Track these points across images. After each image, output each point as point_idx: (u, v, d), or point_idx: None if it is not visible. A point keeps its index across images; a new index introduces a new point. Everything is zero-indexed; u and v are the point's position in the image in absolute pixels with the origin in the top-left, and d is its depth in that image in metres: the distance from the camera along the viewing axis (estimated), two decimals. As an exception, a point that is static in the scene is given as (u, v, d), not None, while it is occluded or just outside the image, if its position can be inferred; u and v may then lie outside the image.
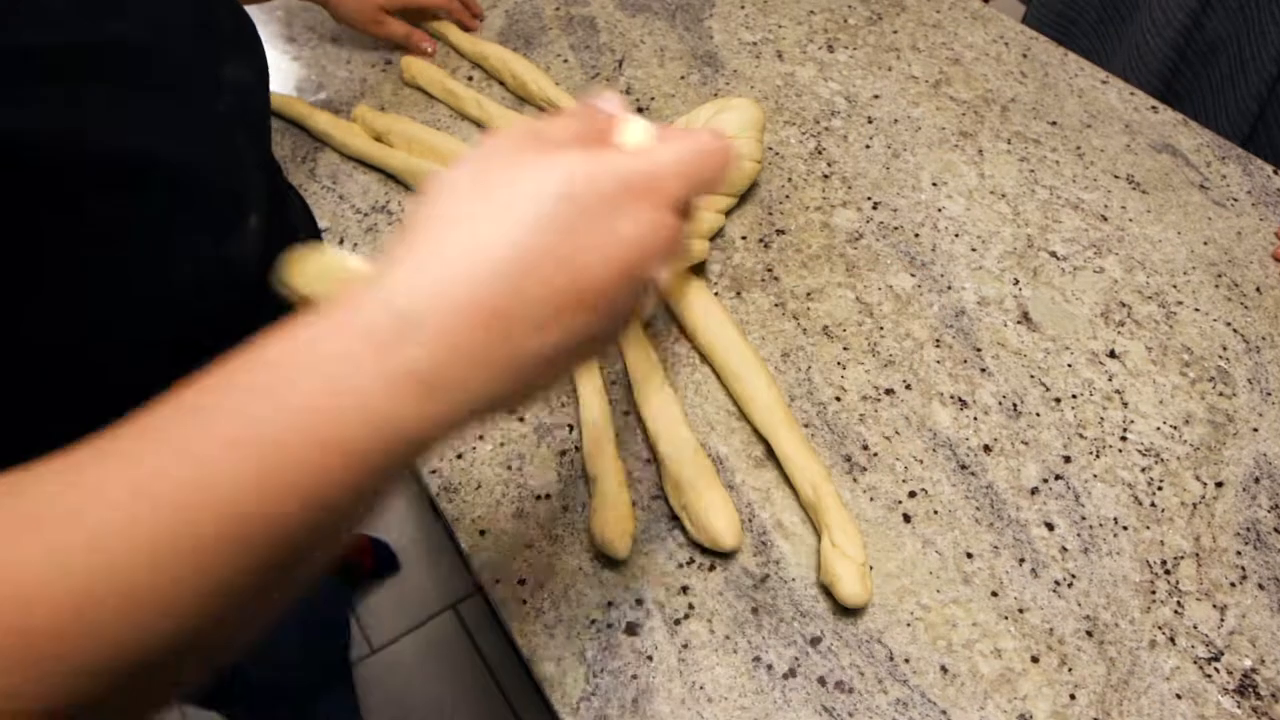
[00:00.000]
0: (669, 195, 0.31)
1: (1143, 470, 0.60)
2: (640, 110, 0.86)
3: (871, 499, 0.59)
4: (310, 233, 0.73)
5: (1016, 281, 0.71)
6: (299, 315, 0.29)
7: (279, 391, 0.27)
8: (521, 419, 0.63)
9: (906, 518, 0.58)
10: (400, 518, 1.62)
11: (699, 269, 0.72)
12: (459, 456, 0.62)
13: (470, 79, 0.90)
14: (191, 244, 0.51)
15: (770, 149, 0.82)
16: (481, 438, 0.63)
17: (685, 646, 0.53)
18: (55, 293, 0.45)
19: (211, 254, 0.52)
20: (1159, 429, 0.62)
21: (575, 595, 0.56)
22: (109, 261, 0.46)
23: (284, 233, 0.63)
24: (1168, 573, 0.56)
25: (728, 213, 0.75)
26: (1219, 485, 0.60)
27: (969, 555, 0.56)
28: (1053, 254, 0.73)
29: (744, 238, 0.75)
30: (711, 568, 0.56)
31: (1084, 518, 0.58)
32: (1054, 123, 0.83)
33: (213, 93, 0.51)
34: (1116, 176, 0.79)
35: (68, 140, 0.41)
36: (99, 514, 0.25)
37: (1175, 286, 0.71)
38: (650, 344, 0.65)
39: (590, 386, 0.63)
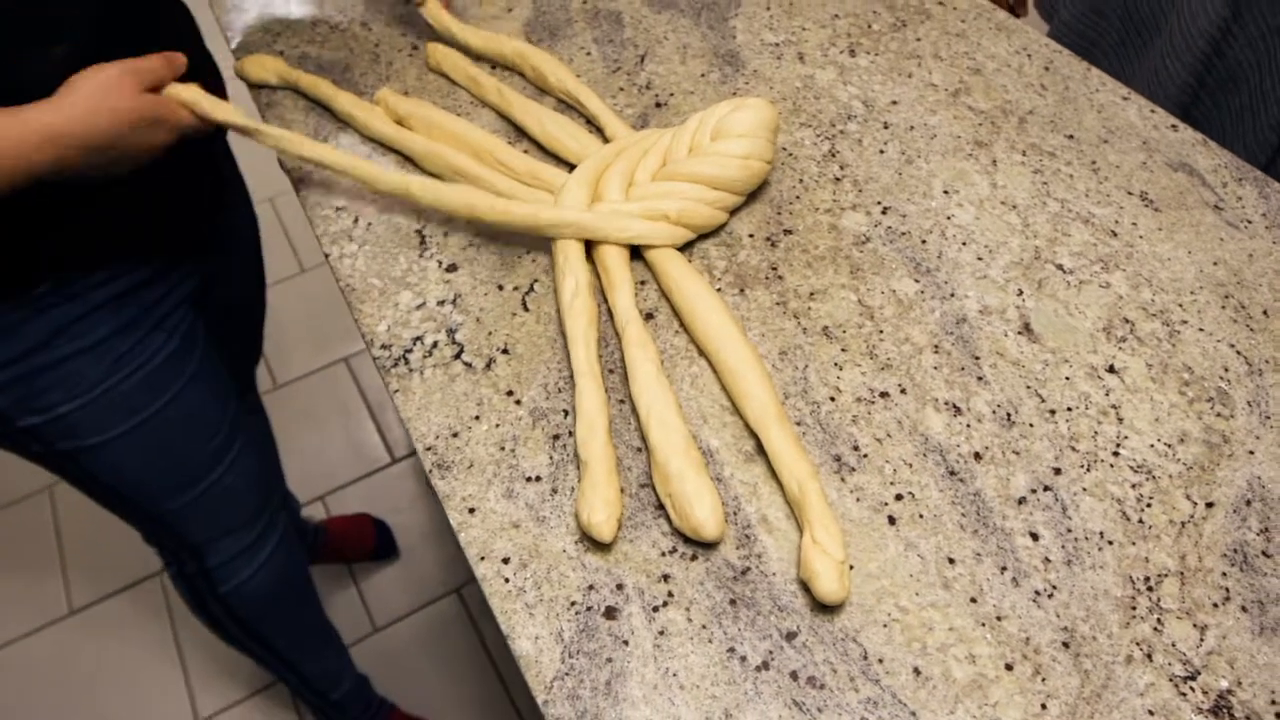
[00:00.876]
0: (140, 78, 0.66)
1: (1133, 486, 0.60)
2: (658, 105, 0.86)
3: (858, 499, 0.59)
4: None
5: (1020, 292, 0.71)
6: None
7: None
8: (519, 401, 0.64)
9: (891, 520, 0.58)
10: (409, 502, 1.64)
11: (694, 258, 0.72)
12: (454, 435, 0.63)
13: (494, 67, 0.91)
14: None
15: (784, 149, 0.82)
16: (478, 418, 0.64)
17: (662, 633, 0.54)
18: None
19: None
20: (1153, 446, 0.62)
21: (557, 577, 0.56)
22: None
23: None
24: (1150, 589, 0.56)
25: (735, 210, 0.76)
26: (1209, 506, 0.59)
27: (951, 560, 0.57)
28: (1059, 267, 0.73)
29: (751, 235, 0.75)
30: (693, 558, 0.57)
31: (1070, 530, 0.58)
32: (1071, 136, 0.83)
33: None
34: (1130, 193, 0.78)
35: None
36: None
37: (1181, 305, 0.70)
38: (649, 335, 0.66)
39: (588, 373, 0.64)
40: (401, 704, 1.37)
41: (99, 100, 0.63)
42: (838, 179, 0.79)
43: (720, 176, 0.72)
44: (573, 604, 0.55)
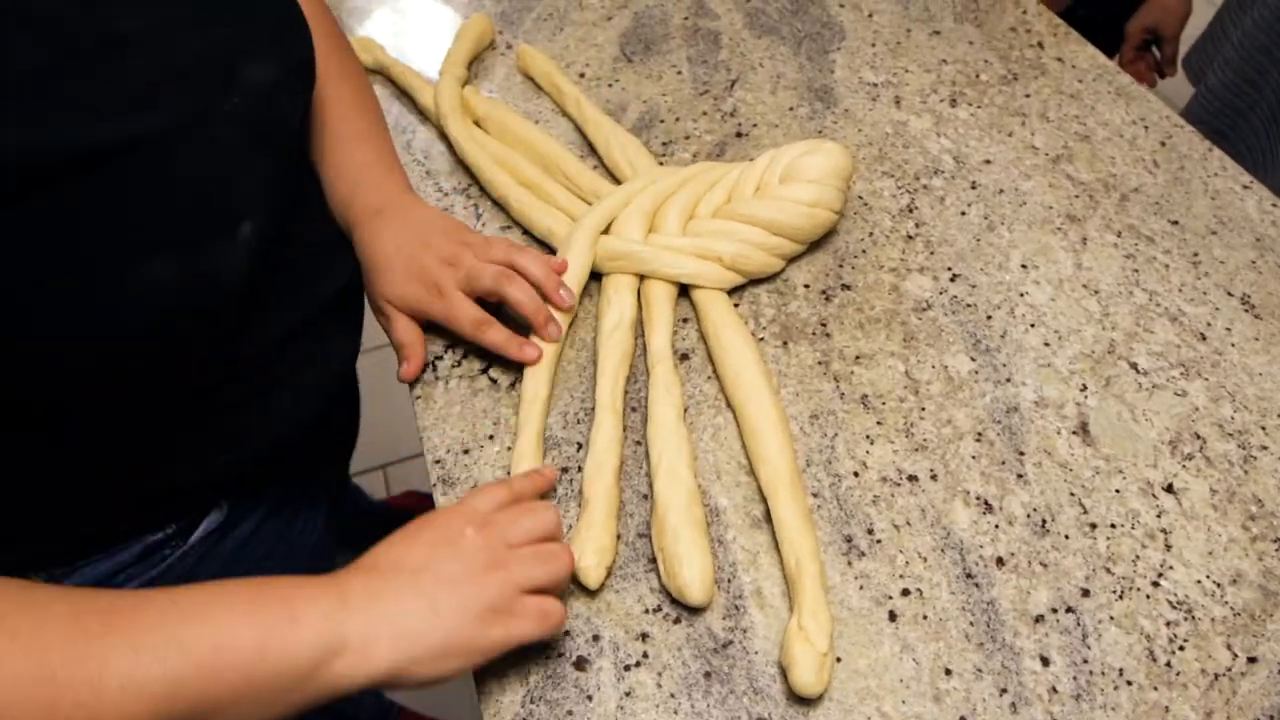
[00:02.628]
0: (490, 526, 0.51)
1: (1168, 624, 0.55)
2: (739, 135, 0.84)
3: (861, 587, 0.56)
4: (330, 240, 0.67)
5: (1084, 388, 0.66)
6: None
7: (257, 608, 0.43)
8: (534, 427, 0.63)
9: (892, 616, 0.55)
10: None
11: (740, 303, 0.70)
12: (465, 452, 0.63)
13: (582, 75, 0.90)
14: (166, 250, 0.46)
15: (859, 198, 0.78)
16: (491, 437, 0.63)
17: (628, 695, 0.52)
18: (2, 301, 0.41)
19: (190, 265, 0.47)
20: (1199, 582, 0.57)
21: (536, 616, 0.55)
22: (64, 264, 0.42)
23: (292, 245, 0.58)
24: (1163, 743, 0.51)
25: (795, 259, 0.73)
26: (1251, 660, 0.54)
27: (948, 671, 0.53)
28: (1133, 365, 0.67)
29: (806, 286, 0.72)
30: (676, 620, 0.55)
31: (1086, 660, 0.53)
32: (1175, 222, 0.77)
33: (218, 90, 0.48)
34: (1230, 294, 0.72)
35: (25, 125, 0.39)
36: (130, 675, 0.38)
37: (1264, 429, 0.64)
38: (677, 378, 0.64)
39: (609, 408, 0.62)
40: (416, 697, 1.39)
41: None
42: (910, 237, 0.75)
43: (782, 223, 0.69)
44: (545, 648, 0.54)
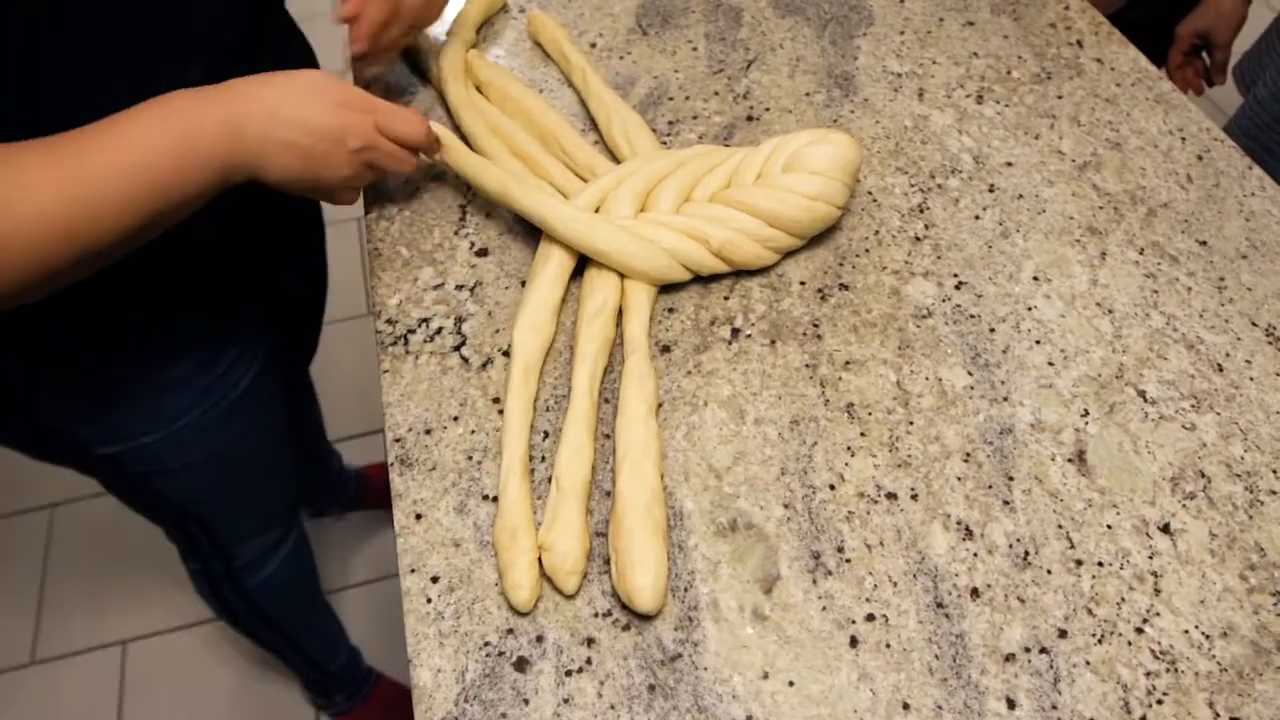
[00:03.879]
0: (372, 114, 0.62)
1: (1147, 674, 0.51)
2: (750, 119, 0.80)
3: (824, 608, 0.53)
4: None
5: (1086, 413, 0.62)
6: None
7: (182, 124, 0.53)
8: (502, 411, 0.61)
9: (854, 641, 0.52)
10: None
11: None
12: (428, 432, 0.60)
13: (593, 45, 0.87)
14: (117, 85, 0.53)
15: (869, 193, 0.74)
16: (456, 419, 0.61)
17: (566, 702, 0.50)
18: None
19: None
20: (1187, 632, 0.53)
21: (480, 610, 0.53)
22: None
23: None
24: (1129, 803, 0.47)
25: (792, 254, 0.69)
26: (1234, 721, 0.50)
27: (905, 706, 0.50)
28: (1141, 393, 0.63)
29: (802, 283, 0.68)
30: (626, 627, 0.52)
31: (1055, 706, 0.50)
32: (1204, 242, 0.72)
33: None
34: (1255, 324, 0.67)
35: None
36: (98, 165, 0.49)
37: (1275, 471, 0.60)
38: (651, 370, 0.61)
39: (585, 396, 0.59)
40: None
41: (309, 90, 0.58)
42: (918, 239, 0.71)
43: (779, 214, 0.66)
44: (486, 644, 0.52)
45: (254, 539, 0.98)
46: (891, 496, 0.58)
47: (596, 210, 0.67)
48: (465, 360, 0.64)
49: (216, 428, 0.80)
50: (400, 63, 0.85)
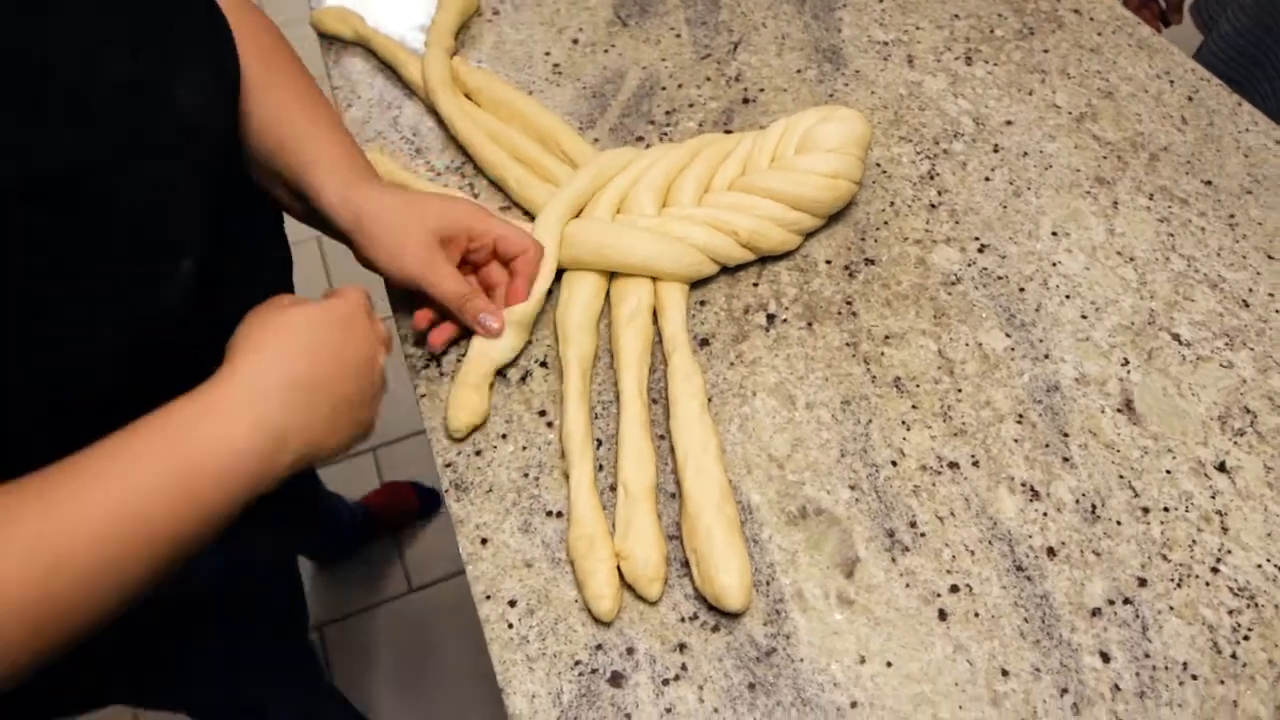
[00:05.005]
0: (364, 309, 0.53)
1: (1230, 612, 0.52)
2: (745, 101, 0.79)
3: (908, 585, 0.53)
4: (280, 269, 0.65)
5: (1126, 362, 0.62)
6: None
7: (181, 441, 0.42)
8: (550, 424, 0.59)
9: (942, 614, 0.52)
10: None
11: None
12: (478, 453, 0.59)
13: (575, 41, 0.85)
14: (116, 291, 0.44)
15: (877, 165, 0.74)
16: (504, 436, 0.59)
17: (668, 711, 0.49)
18: None
19: (140, 303, 0.45)
20: (1260, 567, 0.54)
21: (565, 630, 0.52)
22: (19, 309, 0.39)
23: (231, 279, 0.55)
24: (1235, 740, 0.48)
25: (813, 234, 0.69)
26: (1319, 647, 0.51)
27: (1004, 673, 0.50)
28: (1175, 336, 0.64)
29: (829, 262, 0.68)
30: (715, 628, 0.52)
31: (1148, 655, 0.51)
32: (1209, 182, 0.73)
33: (153, 116, 0.44)
34: (1271, 257, 0.68)
35: None
36: (68, 528, 0.38)
37: (1315, 399, 0.61)
38: (696, 366, 0.60)
39: (636, 398, 0.58)
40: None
41: (303, 338, 0.48)
42: (934, 206, 0.71)
43: (802, 196, 0.65)
44: (577, 663, 0.51)
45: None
46: (954, 466, 0.58)
47: (618, 211, 0.66)
48: (503, 376, 0.62)
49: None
50: (383, 76, 0.82)
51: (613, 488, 0.56)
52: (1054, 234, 0.70)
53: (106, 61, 0.41)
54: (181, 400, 0.43)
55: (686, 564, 0.54)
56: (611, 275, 0.65)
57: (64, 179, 0.39)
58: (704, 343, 0.64)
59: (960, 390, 0.61)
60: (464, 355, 0.63)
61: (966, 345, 0.63)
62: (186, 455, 0.41)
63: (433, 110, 0.78)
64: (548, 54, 0.84)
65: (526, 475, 0.58)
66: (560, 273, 0.65)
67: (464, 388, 0.59)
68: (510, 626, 0.52)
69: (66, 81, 0.39)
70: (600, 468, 0.58)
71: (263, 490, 0.44)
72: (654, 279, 0.64)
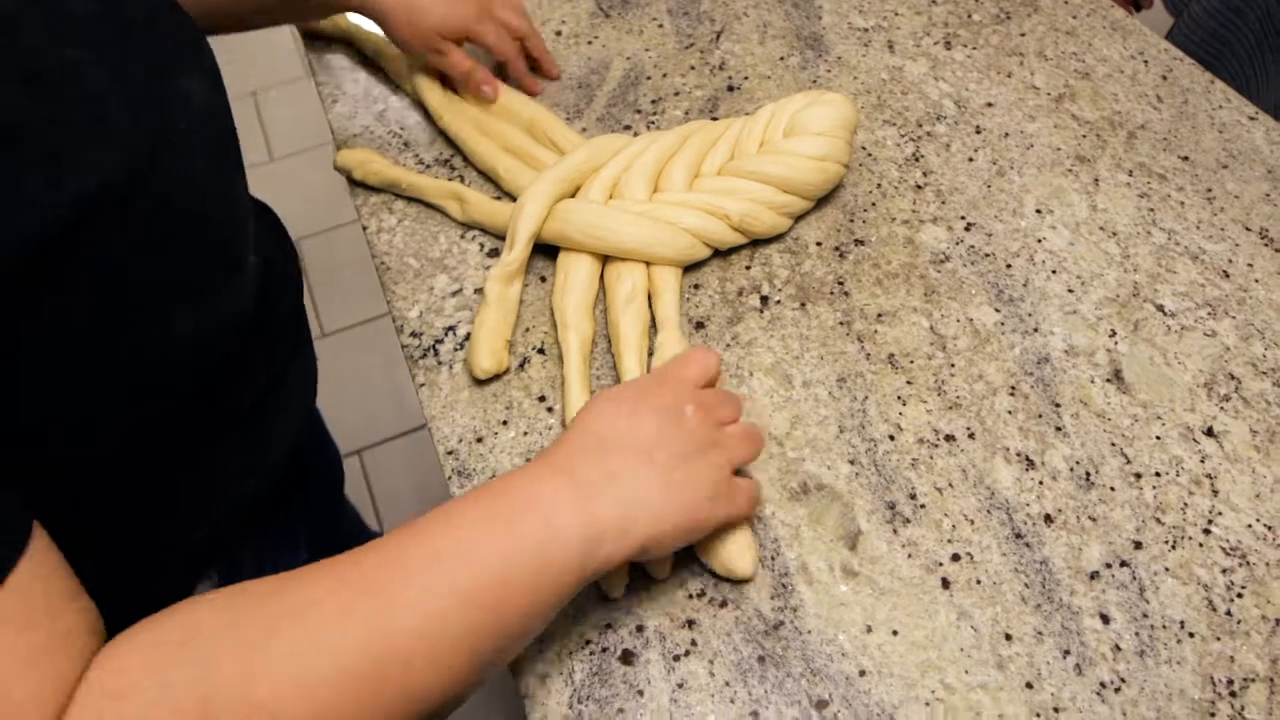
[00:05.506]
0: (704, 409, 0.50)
1: (1223, 571, 0.54)
2: (730, 89, 0.80)
3: (910, 555, 0.54)
4: (288, 258, 0.64)
5: (1113, 333, 0.64)
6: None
7: (514, 525, 0.42)
8: (551, 409, 0.60)
9: (945, 583, 0.53)
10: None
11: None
12: (479, 440, 0.59)
13: (558, 33, 0.85)
14: (195, 293, 0.43)
15: (863, 148, 0.75)
16: (505, 423, 0.59)
17: (680, 686, 0.49)
18: (35, 369, 0.37)
19: (219, 304, 0.45)
20: (1250, 527, 0.55)
21: (574, 610, 0.52)
22: (93, 332, 0.38)
23: (274, 268, 0.56)
24: (1233, 694, 0.49)
25: (803, 216, 0.70)
26: (1310, 602, 0.53)
27: (1008, 637, 0.51)
28: (1160, 308, 0.65)
29: (819, 244, 0.69)
30: (723, 604, 0.52)
31: (1146, 615, 0.52)
32: (1186, 158, 0.75)
33: (184, 115, 0.43)
34: (1248, 229, 0.70)
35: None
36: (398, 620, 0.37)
37: (1296, 364, 0.63)
38: (685, 341, 0.61)
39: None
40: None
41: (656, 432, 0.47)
42: (919, 187, 0.73)
43: (791, 179, 0.66)
44: (588, 642, 0.51)
45: None
46: (950, 438, 0.59)
47: (610, 197, 0.67)
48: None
49: None
50: (366, 70, 0.82)
51: (616, 469, 0.57)
52: (1038, 211, 0.71)
53: (126, 60, 0.40)
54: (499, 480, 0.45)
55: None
56: (605, 260, 0.65)
57: (130, 185, 0.38)
58: (699, 325, 0.64)
59: (953, 365, 0.62)
60: (460, 346, 0.63)
61: (957, 321, 0.64)
62: (539, 541, 0.42)
63: (419, 103, 0.78)
64: (532, 46, 0.84)
65: (528, 460, 0.58)
66: (554, 256, 0.66)
67: (487, 337, 0.61)
68: (519, 609, 0.52)
69: (94, 81, 0.38)
70: (602, 450, 0.58)
71: (587, 578, 0.43)
72: (647, 263, 0.65)
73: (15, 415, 0.36)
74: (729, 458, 0.49)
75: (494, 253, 0.69)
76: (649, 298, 0.65)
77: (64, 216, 0.34)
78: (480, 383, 0.61)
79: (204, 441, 0.51)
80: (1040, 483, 0.57)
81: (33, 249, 0.34)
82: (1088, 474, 0.57)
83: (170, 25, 0.45)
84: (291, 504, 0.68)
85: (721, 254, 0.68)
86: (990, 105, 0.79)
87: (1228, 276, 0.67)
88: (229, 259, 0.47)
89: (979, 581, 0.53)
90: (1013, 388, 0.61)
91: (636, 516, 0.44)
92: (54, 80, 0.36)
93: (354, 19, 0.85)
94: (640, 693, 0.49)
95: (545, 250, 0.68)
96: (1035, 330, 0.64)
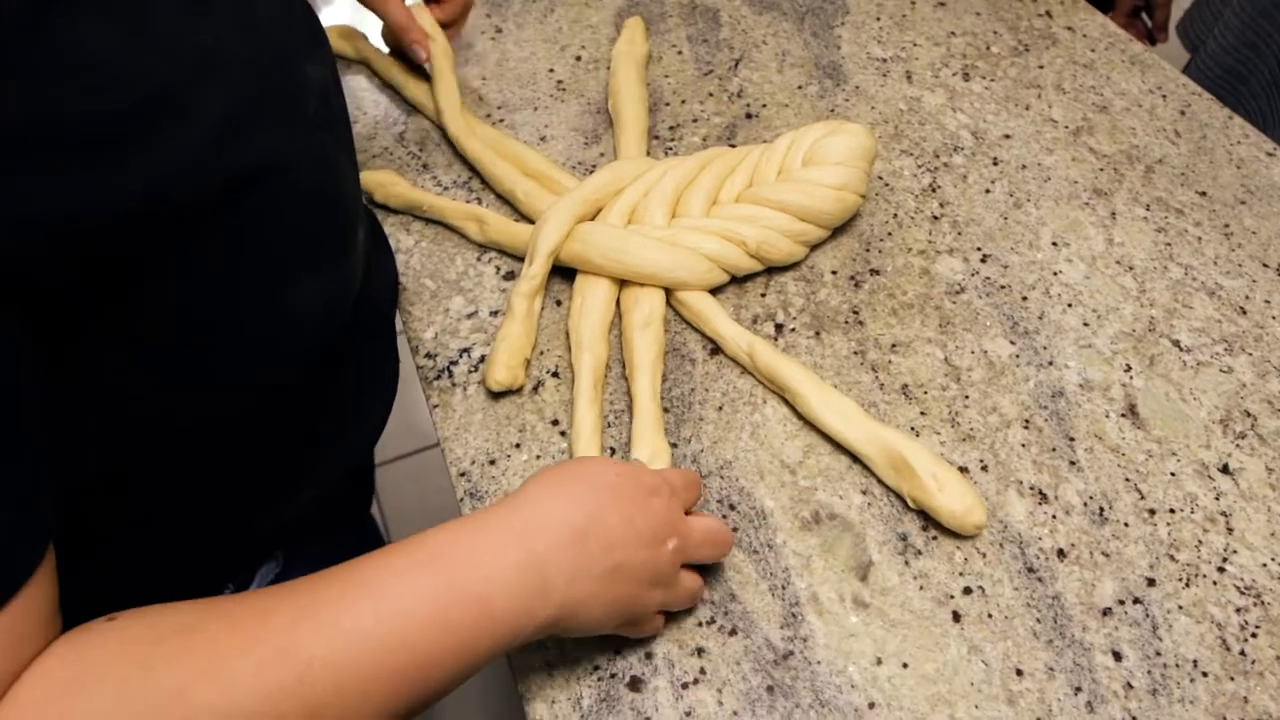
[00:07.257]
0: (675, 496, 0.50)
1: (1238, 610, 0.53)
2: (749, 116, 0.81)
3: (921, 587, 0.54)
4: (385, 254, 0.67)
5: (1128, 368, 0.64)
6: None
7: (455, 571, 0.41)
8: (563, 433, 0.60)
9: (956, 616, 0.53)
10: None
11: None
12: (491, 462, 0.59)
13: (578, 59, 0.86)
14: (310, 268, 0.45)
15: (880, 178, 0.76)
16: (518, 446, 0.60)
17: (688, 715, 0.49)
18: (155, 344, 0.39)
19: (330, 277, 0.47)
20: (1265, 566, 0.55)
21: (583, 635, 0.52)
22: (215, 302, 0.40)
23: (372, 259, 0.58)
24: (1247, 736, 0.49)
25: (819, 245, 0.70)
26: (1326, 644, 0.52)
27: (1019, 672, 0.51)
28: (1176, 343, 0.65)
29: (834, 273, 0.69)
30: (733, 632, 0.52)
31: (1159, 653, 0.51)
32: (1203, 193, 0.75)
33: (302, 95, 0.44)
34: (1266, 265, 0.70)
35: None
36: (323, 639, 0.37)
37: (1313, 403, 0.62)
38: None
39: (651, 399, 0.59)
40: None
41: (607, 498, 0.46)
42: (936, 218, 0.73)
43: (809, 207, 0.66)
44: (596, 668, 0.51)
45: None
46: (963, 470, 0.59)
47: (629, 221, 0.67)
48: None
49: None
50: (387, 94, 0.83)
51: (628, 494, 0.57)
52: (1054, 244, 0.71)
53: (263, 43, 0.42)
54: (451, 524, 0.44)
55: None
56: (622, 284, 0.66)
57: (259, 167, 0.39)
58: (714, 351, 0.65)
59: (967, 397, 0.62)
60: (474, 369, 0.64)
61: (972, 353, 0.64)
62: (451, 577, 0.41)
63: (438, 126, 0.79)
64: (551, 70, 0.85)
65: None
66: (571, 280, 0.66)
67: (506, 352, 0.62)
68: (529, 633, 0.52)
69: (230, 63, 0.39)
70: (614, 475, 0.58)
71: (513, 643, 0.43)
72: (667, 290, 0.65)
73: (150, 377, 0.39)
74: (686, 552, 0.49)
75: (510, 275, 0.69)
76: (689, 324, 0.65)
77: (233, 177, 0.37)
78: (494, 404, 0.62)
79: (304, 424, 0.53)
80: (1053, 517, 0.57)
81: (198, 204, 0.36)
82: (1101, 509, 0.57)
83: (301, 14, 0.47)
84: (356, 503, 0.70)
85: (737, 281, 0.68)
86: (1008, 137, 0.79)
87: (1244, 313, 0.67)
88: (345, 239, 0.49)
89: (990, 615, 0.53)
90: (1027, 421, 0.61)
91: (574, 617, 0.45)
92: (224, 64, 0.38)
93: (374, 42, 0.86)
94: (648, 719, 0.49)
95: (562, 274, 0.68)
96: (1050, 363, 0.64)
